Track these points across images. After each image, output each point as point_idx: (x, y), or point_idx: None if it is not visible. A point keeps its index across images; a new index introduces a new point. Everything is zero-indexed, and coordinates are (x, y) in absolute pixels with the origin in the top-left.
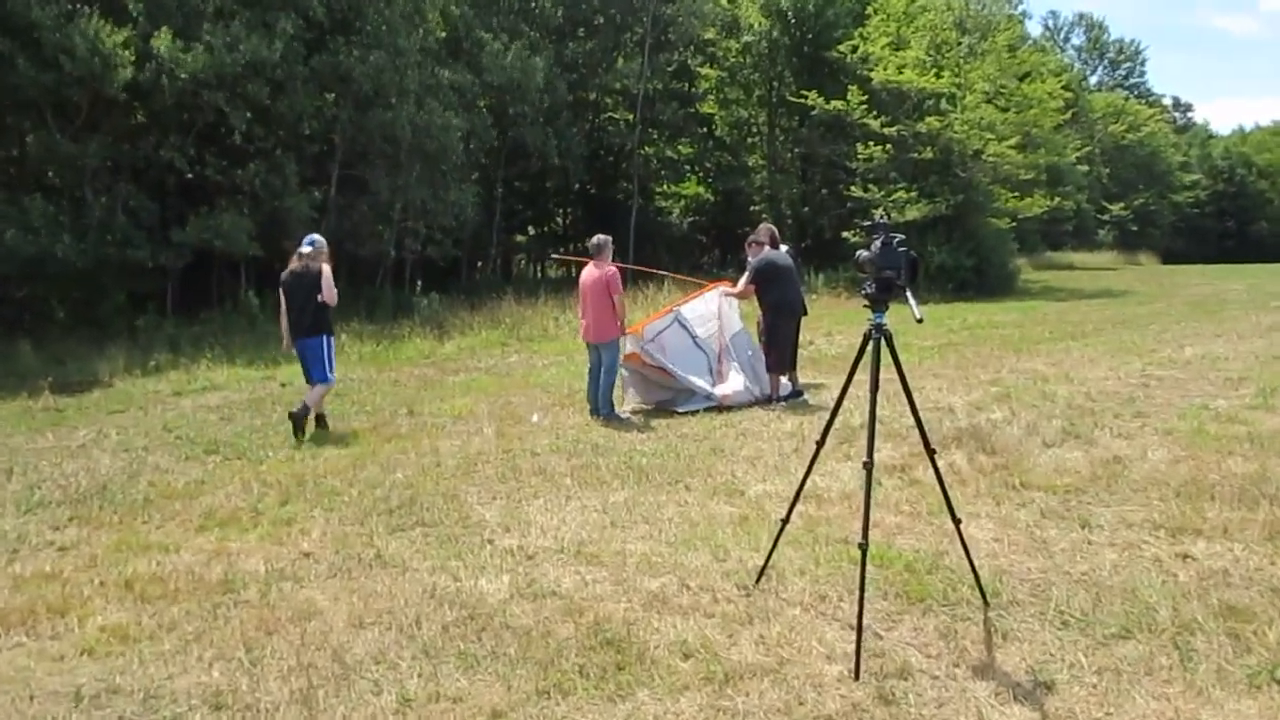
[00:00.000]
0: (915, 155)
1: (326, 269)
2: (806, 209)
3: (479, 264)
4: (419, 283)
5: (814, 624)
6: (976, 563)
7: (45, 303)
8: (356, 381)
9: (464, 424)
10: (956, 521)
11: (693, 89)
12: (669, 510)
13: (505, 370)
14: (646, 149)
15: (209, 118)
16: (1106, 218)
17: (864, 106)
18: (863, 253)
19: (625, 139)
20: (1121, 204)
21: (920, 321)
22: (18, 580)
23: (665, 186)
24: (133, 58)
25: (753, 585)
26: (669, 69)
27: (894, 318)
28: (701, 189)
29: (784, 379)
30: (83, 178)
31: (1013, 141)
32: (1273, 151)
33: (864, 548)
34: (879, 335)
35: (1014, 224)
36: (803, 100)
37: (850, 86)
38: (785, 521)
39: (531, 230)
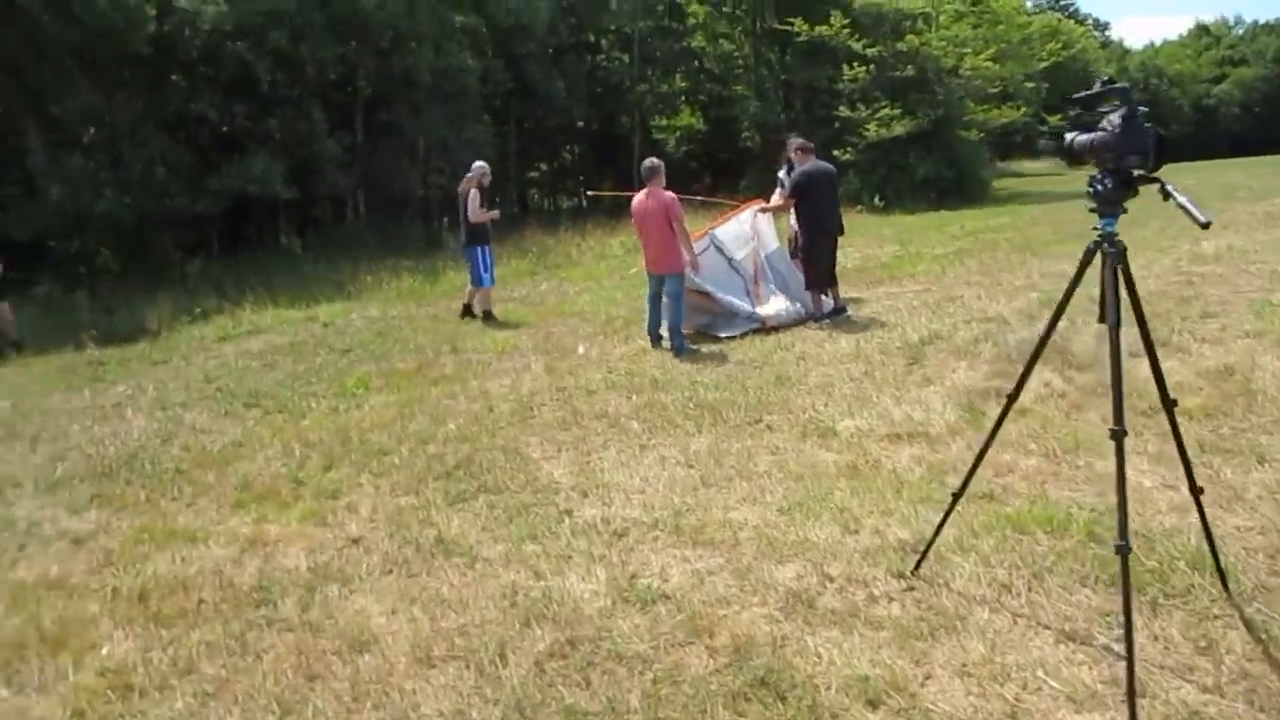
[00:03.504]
0: (896, 73)
1: (473, 192)
2: (793, 134)
3: (497, 199)
4: (445, 219)
5: (1020, 636)
6: (1154, 518)
7: (98, 255)
8: (397, 319)
9: (509, 359)
10: (1197, 492)
11: (682, 25)
12: (762, 460)
13: (539, 299)
14: (641, 86)
15: (235, 69)
16: (1045, 129)
17: (846, 30)
18: (1080, 135)
19: (623, 76)
20: (1059, 115)
21: (1207, 226)
22: (16, 592)
23: (661, 119)
24: (154, 11)
25: (910, 572)
26: (660, 7)
27: (869, 234)
28: (693, 119)
29: (825, 297)
30: (118, 133)
31: (987, 55)
32: (1182, 62)
33: (1125, 551)
34: (1113, 250)
35: (983, 136)
36: (788, 27)
37: (833, 11)
38: (958, 497)
39: (543, 166)
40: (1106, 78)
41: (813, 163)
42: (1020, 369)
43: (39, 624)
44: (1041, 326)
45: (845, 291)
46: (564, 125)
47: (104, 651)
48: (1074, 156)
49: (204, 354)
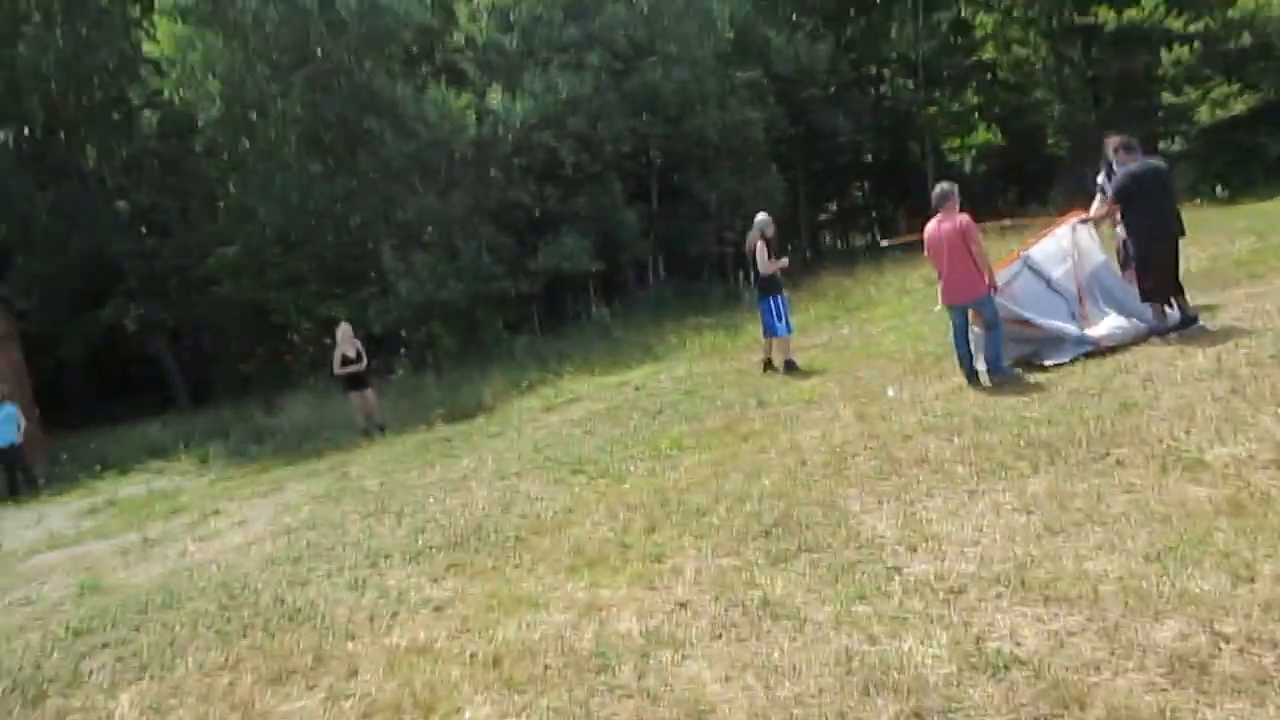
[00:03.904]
0: (1229, 46)
1: (760, 245)
2: (1107, 131)
3: (789, 246)
4: (740, 272)
5: None
6: None
7: (439, 339)
8: (703, 377)
9: (817, 409)
10: None
11: (970, 39)
12: (1115, 501)
13: (842, 344)
14: (931, 108)
15: (543, 156)
16: None
17: (1161, 9)
18: None
19: (910, 102)
20: None
21: None
22: (392, 656)
23: (954, 140)
24: (474, 117)
25: None
26: (944, 26)
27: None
28: (989, 135)
29: (1169, 308)
30: (452, 228)
31: None
32: None
33: None
34: None
35: None
36: (1091, 20)
37: None
38: None
39: (832, 206)
40: None
41: (1138, 161)
42: None
43: (412, 688)
44: None
45: (1193, 298)
46: (852, 162)
47: (466, 716)
48: None
49: (533, 424)
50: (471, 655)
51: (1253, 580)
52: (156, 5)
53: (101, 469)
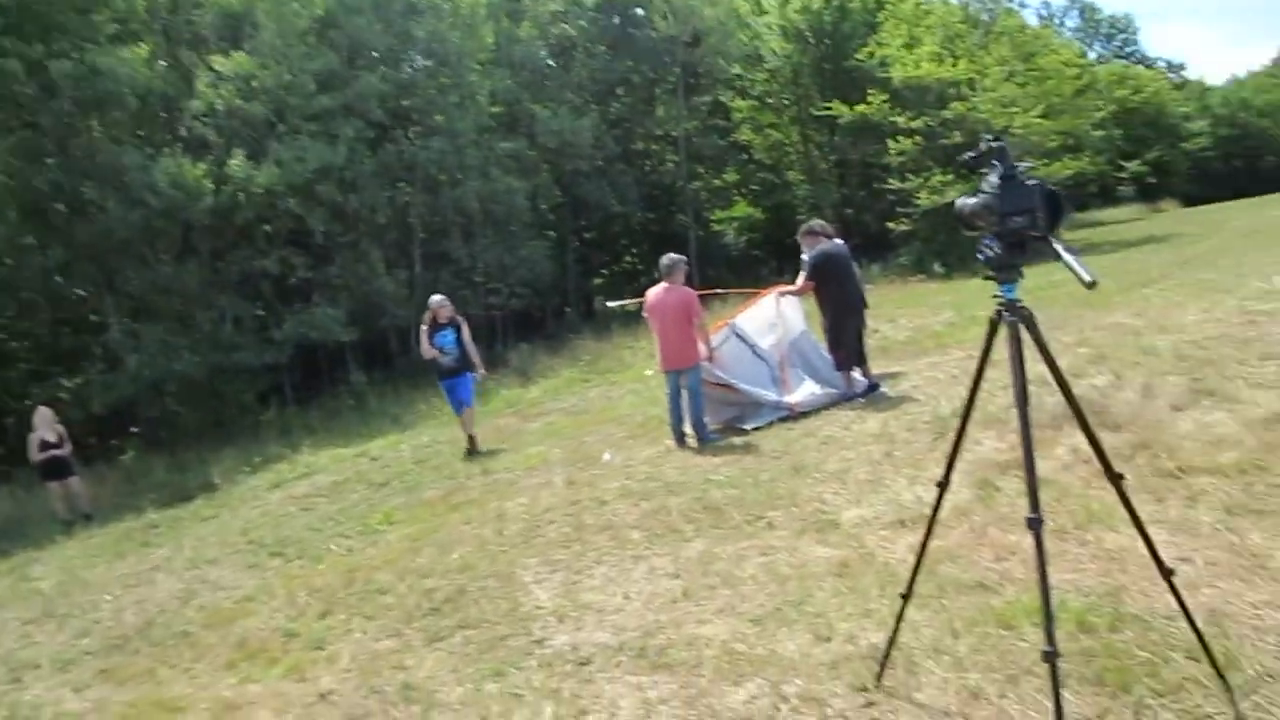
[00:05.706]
0: (945, 141)
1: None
2: (850, 210)
3: (565, 310)
4: (509, 337)
5: None
6: (1160, 598)
7: (175, 415)
8: (443, 445)
9: (535, 475)
10: (1167, 574)
11: (728, 121)
12: (751, 564)
13: (584, 408)
14: (695, 183)
15: (290, 224)
16: (1125, 175)
17: (887, 106)
18: (966, 200)
19: (675, 177)
20: (1137, 161)
21: (1093, 286)
22: None
23: (717, 213)
24: (212, 185)
25: (873, 683)
26: (704, 108)
27: (925, 304)
28: (750, 209)
29: (856, 375)
30: (189, 298)
31: (1037, 111)
32: (1270, 92)
33: (1053, 658)
34: (1014, 319)
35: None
36: (828, 111)
37: (870, 90)
38: (907, 597)
39: (606, 272)
40: (991, 137)
41: (827, 243)
42: (1055, 433)
43: None
44: (1086, 383)
45: (890, 365)
46: (623, 230)
47: None
48: (964, 222)
49: (252, 504)
50: None
51: (830, 639)
52: None
53: None
